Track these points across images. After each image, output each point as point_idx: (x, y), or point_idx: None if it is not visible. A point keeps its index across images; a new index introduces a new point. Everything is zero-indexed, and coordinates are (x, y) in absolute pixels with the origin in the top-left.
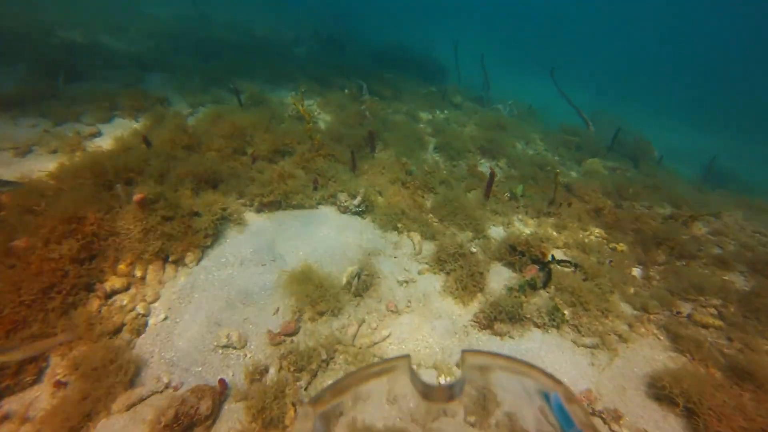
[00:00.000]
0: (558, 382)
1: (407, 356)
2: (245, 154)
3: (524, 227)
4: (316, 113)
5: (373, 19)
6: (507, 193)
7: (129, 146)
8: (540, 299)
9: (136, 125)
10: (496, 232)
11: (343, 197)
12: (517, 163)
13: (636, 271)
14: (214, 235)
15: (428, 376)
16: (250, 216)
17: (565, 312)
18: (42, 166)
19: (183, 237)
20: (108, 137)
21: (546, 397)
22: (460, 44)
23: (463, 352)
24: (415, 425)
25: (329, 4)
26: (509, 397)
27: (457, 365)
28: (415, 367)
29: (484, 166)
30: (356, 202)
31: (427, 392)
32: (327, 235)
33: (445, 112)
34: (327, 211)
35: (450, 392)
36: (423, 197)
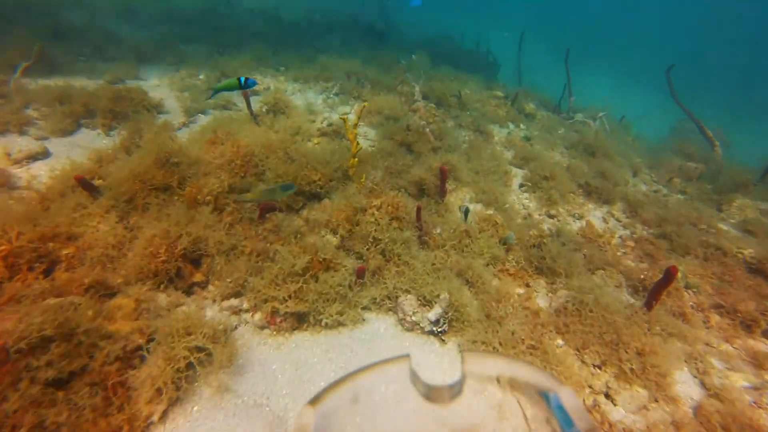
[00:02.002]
0: (559, 382)
1: (407, 355)
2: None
3: (725, 366)
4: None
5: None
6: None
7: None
8: None
9: (105, 142)
10: (685, 380)
11: (409, 305)
12: (643, 212)
13: None
14: (178, 395)
15: None
16: (250, 336)
17: None
18: None
19: (100, 416)
20: (63, 158)
21: (546, 397)
22: (498, 34)
23: (464, 352)
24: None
25: None
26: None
27: None
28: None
29: (594, 216)
30: (433, 316)
31: (428, 392)
32: (386, 400)
33: (522, 126)
34: (381, 328)
35: (451, 392)
36: (529, 285)
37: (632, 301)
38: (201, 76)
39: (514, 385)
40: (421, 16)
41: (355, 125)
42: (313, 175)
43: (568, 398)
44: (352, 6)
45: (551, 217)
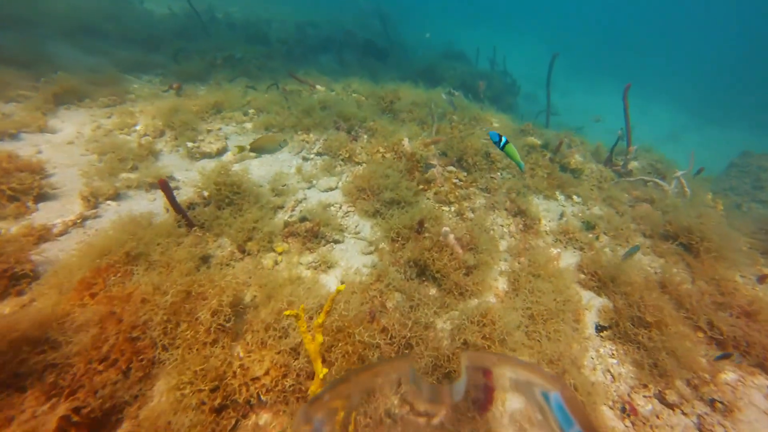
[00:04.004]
0: (558, 381)
1: (408, 356)
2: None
3: None
4: (340, 214)
5: (422, 17)
6: None
7: None
8: None
9: None
10: None
11: None
12: None
13: None
14: None
15: None
16: None
17: None
18: None
19: None
20: None
21: (546, 397)
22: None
23: (463, 352)
24: (414, 424)
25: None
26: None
27: None
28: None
29: (752, 405)
30: None
31: (428, 393)
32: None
33: (576, 199)
34: None
35: (451, 392)
36: None
37: None
38: (138, 127)
39: (514, 384)
40: (426, 29)
41: (320, 325)
42: (255, 367)
43: (569, 397)
44: (349, 19)
45: (669, 405)
